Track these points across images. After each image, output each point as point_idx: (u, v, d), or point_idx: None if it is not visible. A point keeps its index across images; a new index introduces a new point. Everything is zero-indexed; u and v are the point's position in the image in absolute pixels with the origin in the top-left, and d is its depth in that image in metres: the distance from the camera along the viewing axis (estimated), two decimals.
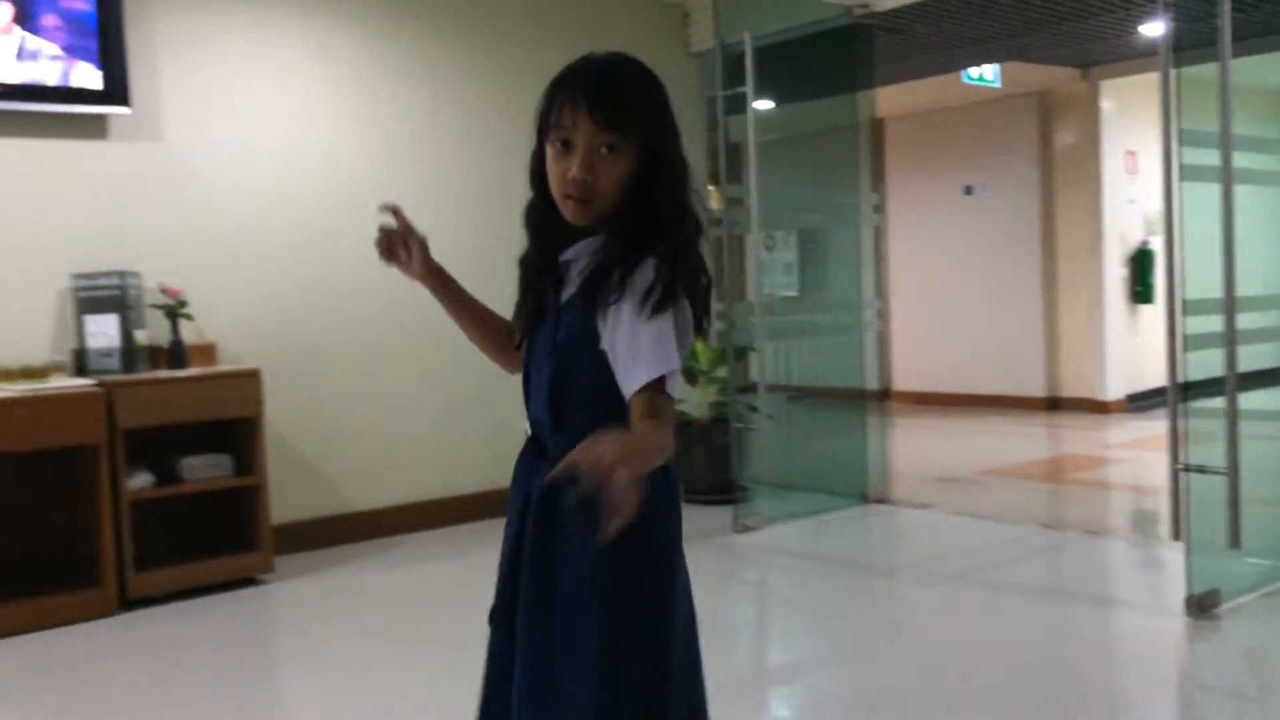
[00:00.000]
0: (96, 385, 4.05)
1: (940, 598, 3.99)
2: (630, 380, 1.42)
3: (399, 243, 1.76)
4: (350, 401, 5.10)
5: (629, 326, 1.42)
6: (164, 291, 4.47)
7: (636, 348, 1.42)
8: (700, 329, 1.52)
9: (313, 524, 4.92)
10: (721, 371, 5.70)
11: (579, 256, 1.52)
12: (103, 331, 4.31)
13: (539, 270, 1.58)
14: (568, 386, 1.52)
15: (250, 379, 4.38)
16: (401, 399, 5.26)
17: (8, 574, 4.04)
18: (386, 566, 4.65)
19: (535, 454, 1.59)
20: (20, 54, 4.15)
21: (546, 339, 1.54)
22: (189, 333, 4.54)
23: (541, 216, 1.57)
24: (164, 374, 4.33)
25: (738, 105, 5.08)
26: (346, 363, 5.09)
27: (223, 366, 4.61)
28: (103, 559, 4.00)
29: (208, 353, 4.64)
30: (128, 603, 4.05)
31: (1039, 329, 8.81)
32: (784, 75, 5.55)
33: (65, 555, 4.19)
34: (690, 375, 5.78)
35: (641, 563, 1.50)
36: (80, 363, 4.31)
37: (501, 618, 1.60)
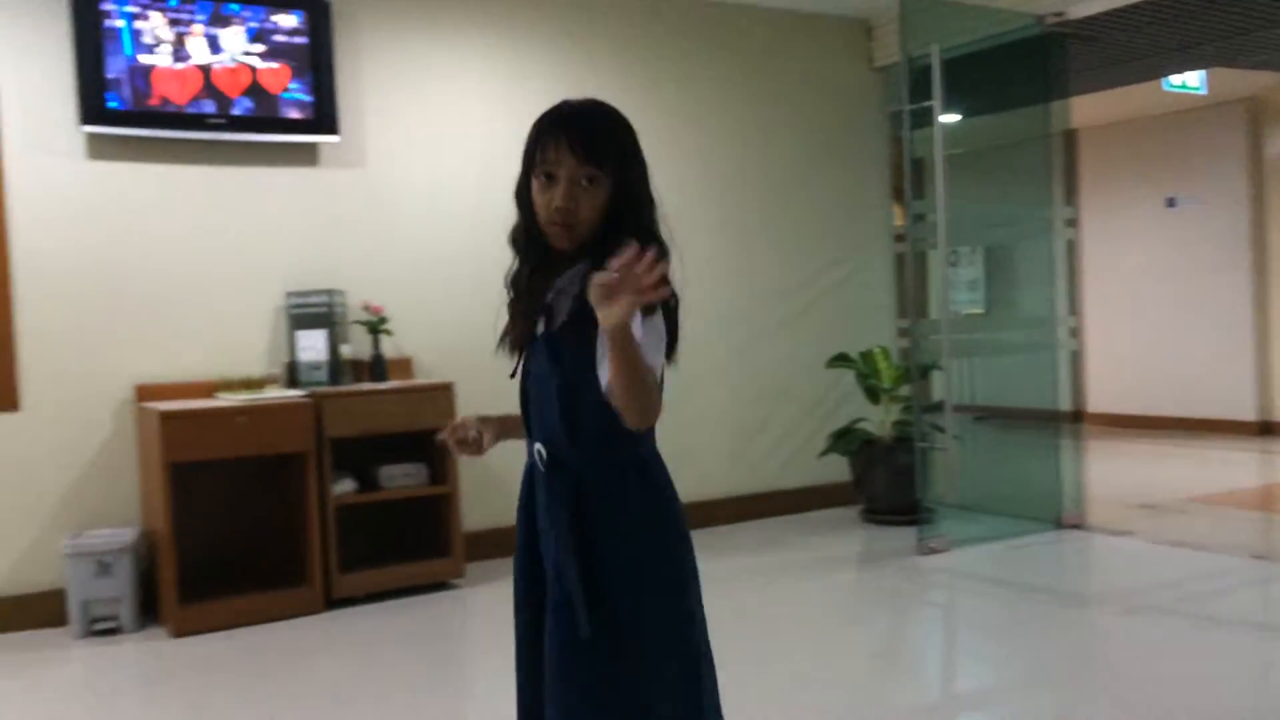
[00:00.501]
0: (307, 396, 4.32)
1: (1140, 630, 3.80)
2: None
3: (468, 438, 1.83)
4: None
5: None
6: (367, 308, 4.73)
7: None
8: (672, 348, 1.64)
9: (501, 532, 5.08)
10: (904, 390, 5.59)
11: (571, 283, 1.63)
12: (312, 346, 4.59)
13: (528, 292, 1.71)
14: (579, 406, 1.62)
15: (444, 392, 4.58)
16: None
17: (227, 571, 4.35)
18: None
19: (553, 469, 1.68)
20: (247, 88, 4.49)
21: (547, 365, 1.66)
22: (388, 347, 4.78)
23: (527, 240, 1.72)
24: (366, 386, 4.58)
25: (923, 119, 4.99)
26: None
27: (419, 380, 4.84)
28: (310, 560, 4.26)
29: (405, 367, 4.88)
30: (332, 602, 4.29)
31: (1249, 349, 8.26)
32: (971, 87, 5.42)
33: (277, 556, 4.47)
34: (873, 394, 5.70)
35: (665, 585, 1.66)
36: (292, 375, 4.61)
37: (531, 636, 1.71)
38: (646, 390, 1.50)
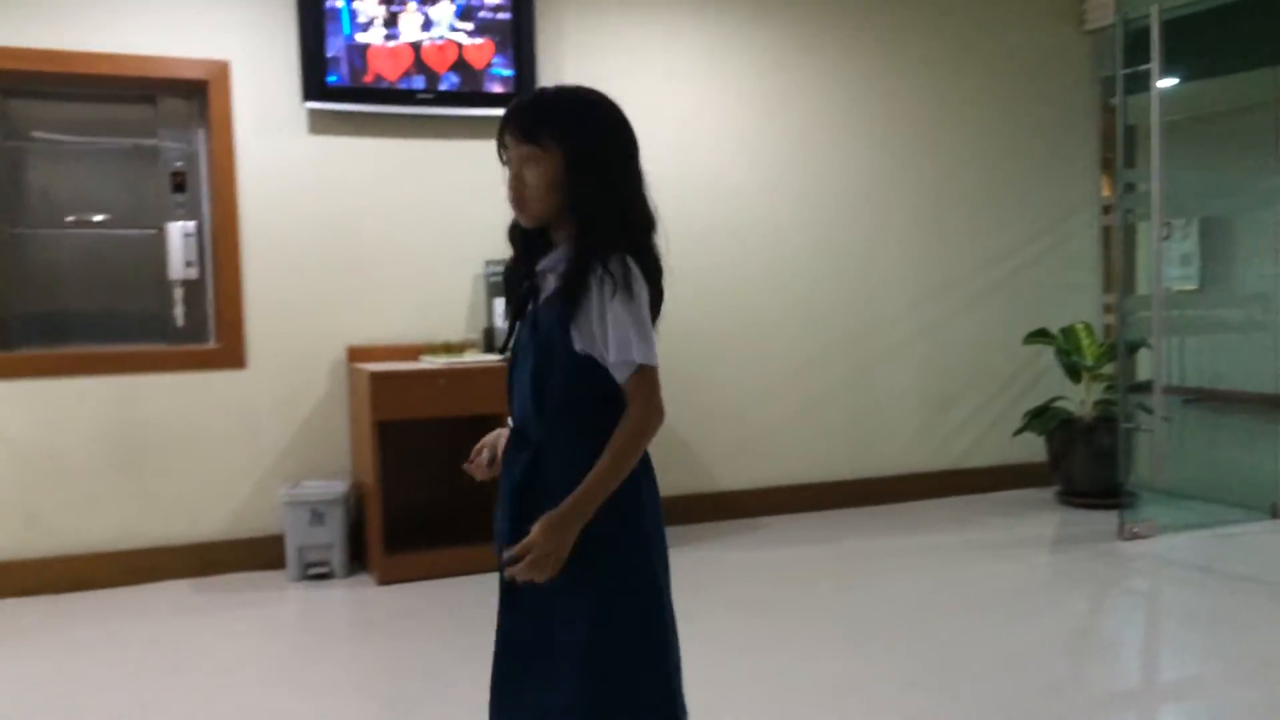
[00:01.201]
0: (502, 361, 4.47)
1: None
2: (621, 369, 1.67)
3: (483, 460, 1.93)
4: (719, 386, 5.29)
5: (602, 317, 1.65)
6: None
7: (618, 335, 1.64)
8: (656, 312, 1.72)
9: (685, 499, 5.17)
10: (1108, 368, 5.34)
11: (554, 265, 1.72)
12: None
13: (521, 279, 1.80)
14: (548, 379, 1.70)
15: None
16: (771, 385, 5.39)
17: (428, 525, 4.58)
18: (752, 545, 4.79)
19: (517, 445, 1.77)
20: (453, 64, 4.68)
21: (528, 336, 1.74)
22: None
23: (521, 233, 1.83)
24: None
25: (1139, 84, 4.73)
26: (716, 350, 5.29)
27: None
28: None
29: None
30: None
31: None
32: (1192, 50, 5.10)
33: (473, 512, 4.67)
34: (1073, 371, 5.48)
35: (621, 543, 1.71)
36: (489, 340, 4.79)
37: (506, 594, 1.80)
38: (636, 453, 1.66)
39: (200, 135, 4.56)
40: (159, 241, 4.52)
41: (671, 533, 5.09)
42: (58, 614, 3.98)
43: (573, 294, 1.67)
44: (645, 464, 1.77)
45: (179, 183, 4.57)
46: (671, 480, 5.07)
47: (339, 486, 4.43)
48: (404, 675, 3.29)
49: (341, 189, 4.66)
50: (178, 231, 4.50)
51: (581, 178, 1.71)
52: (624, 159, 1.77)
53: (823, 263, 5.49)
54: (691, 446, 5.23)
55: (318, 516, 4.32)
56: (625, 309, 1.65)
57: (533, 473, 1.73)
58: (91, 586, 4.26)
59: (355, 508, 4.50)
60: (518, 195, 1.75)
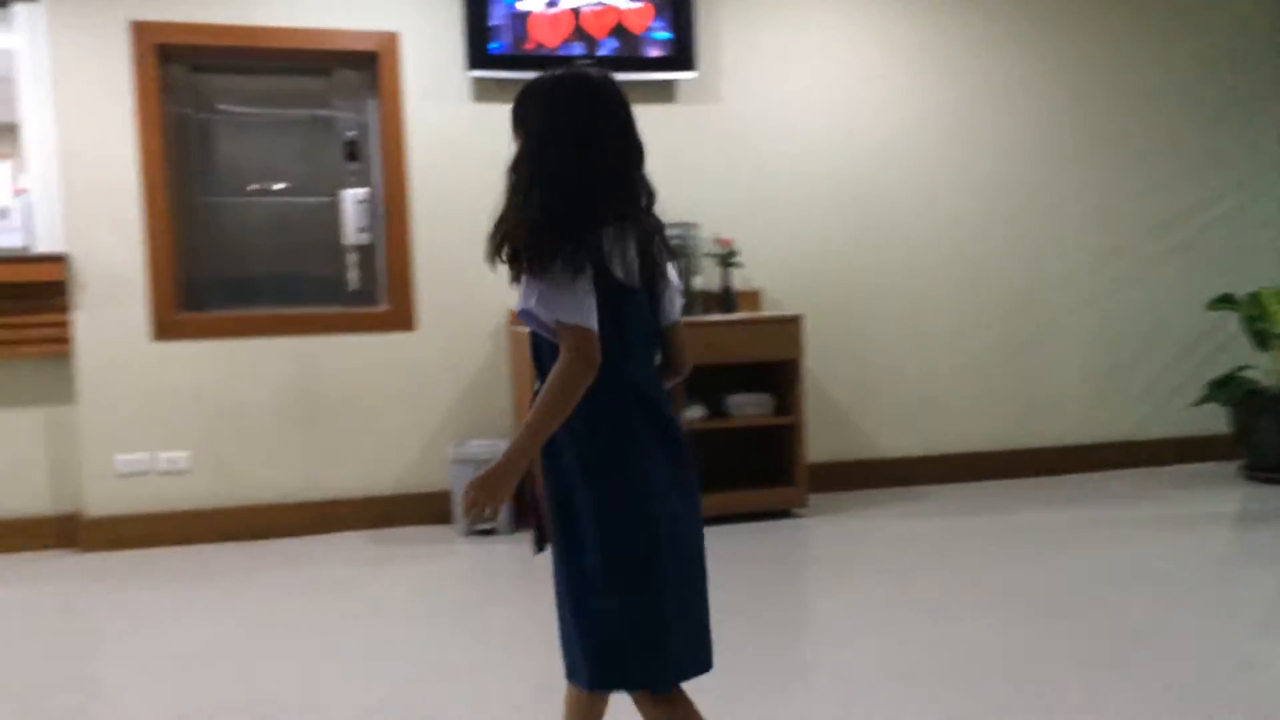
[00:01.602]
0: None
1: None
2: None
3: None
4: (884, 349, 5.20)
5: (525, 286, 1.80)
6: (718, 241, 4.86)
7: (532, 299, 1.78)
8: (610, 270, 1.78)
9: (844, 465, 5.12)
10: None
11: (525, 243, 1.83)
12: None
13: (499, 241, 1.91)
14: (540, 345, 1.88)
15: (792, 324, 4.63)
16: (933, 350, 5.26)
17: None
18: (912, 515, 4.71)
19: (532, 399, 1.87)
20: (612, 29, 4.70)
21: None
22: (738, 280, 4.89)
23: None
24: (716, 317, 4.71)
25: None
26: (881, 312, 5.19)
27: (767, 312, 4.93)
28: None
29: (753, 299, 4.98)
30: None
31: None
32: None
33: None
34: (1261, 339, 5.15)
35: (611, 471, 1.83)
36: None
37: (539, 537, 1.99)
38: (560, 401, 1.75)
39: (371, 105, 4.73)
40: (334, 208, 4.72)
41: (828, 500, 5.08)
42: (250, 560, 4.24)
43: (513, 270, 1.83)
44: (656, 430, 1.86)
45: (352, 151, 4.75)
46: (826, 446, 5.06)
47: (503, 445, 4.55)
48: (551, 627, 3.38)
49: (503, 155, 4.74)
50: (351, 198, 4.69)
51: (527, 160, 1.87)
52: (576, 140, 1.85)
53: (988, 221, 5.31)
54: (848, 411, 5.17)
55: None
56: (537, 277, 1.77)
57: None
58: (277, 535, 4.52)
59: None
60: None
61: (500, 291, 4.76)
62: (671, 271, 1.97)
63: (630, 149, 1.93)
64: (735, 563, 4.05)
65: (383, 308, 4.73)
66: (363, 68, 4.70)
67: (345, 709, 2.76)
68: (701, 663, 1.91)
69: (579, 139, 1.84)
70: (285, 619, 3.55)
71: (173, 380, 4.45)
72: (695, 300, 4.78)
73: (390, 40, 4.58)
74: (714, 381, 4.69)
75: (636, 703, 1.87)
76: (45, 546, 4.40)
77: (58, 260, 4.28)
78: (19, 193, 5.37)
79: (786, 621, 3.50)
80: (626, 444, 1.83)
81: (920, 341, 5.25)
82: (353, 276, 4.79)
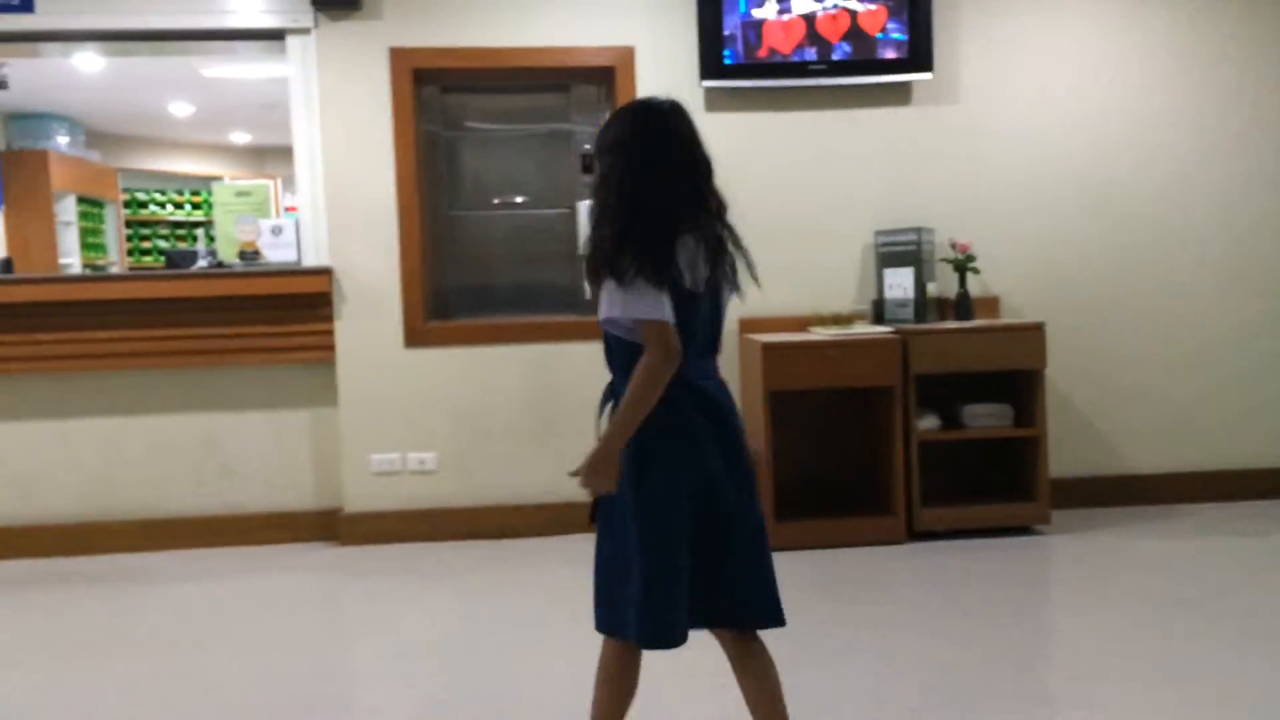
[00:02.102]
0: (893, 333, 4.42)
1: None
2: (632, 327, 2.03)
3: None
4: (1133, 359, 4.91)
5: (608, 294, 2.03)
6: (954, 246, 4.71)
7: (616, 306, 2.00)
8: (680, 279, 2.02)
9: (1089, 481, 4.86)
10: None
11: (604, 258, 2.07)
12: (899, 284, 4.68)
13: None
14: (608, 344, 2.15)
15: (1033, 333, 4.43)
16: (1188, 359, 4.92)
17: (814, 495, 4.64)
18: (1168, 534, 4.42)
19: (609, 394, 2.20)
20: (846, 32, 4.65)
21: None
22: (974, 286, 4.73)
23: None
24: (951, 325, 4.57)
25: None
26: (1129, 320, 4.90)
27: (1005, 320, 4.74)
28: (894, 492, 4.39)
29: (991, 306, 4.80)
30: (915, 534, 4.41)
31: None
32: None
33: (861, 484, 4.68)
34: None
35: (657, 461, 2.08)
36: (878, 312, 4.74)
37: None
38: (649, 389, 2.00)
39: (606, 119, 4.85)
40: (570, 219, 4.88)
41: (1072, 516, 4.87)
42: (491, 557, 4.44)
43: (590, 275, 2.10)
44: (711, 420, 2.12)
45: (587, 164, 4.89)
46: (1074, 460, 4.82)
47: None
48: (790, 636, 3.36)
49: (735, 164, 4.72)
50: (586, 209, 4.83)
51: (604, 186, 2.12)
52: (645, 163, 2.08)
53: (1252, 227, 4.92)
54: (1096, 424, 4.90)
55: None
56: (619, 286, 1.99)
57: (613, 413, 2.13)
58: (517, 535, 4.71)
59: None
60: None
61: (731, 302, 4.79)
62: (736, 275, 2.23)
63: (695, 164, 2.15)
64: (975, 581, 3.92)
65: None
66: (600, 82, 4.84)
67: (578, 710, 2.85)
68: (746, 616, 2.21)
69: (646, 162, 2.08)
70: (521, 616, 3.70)
71: (422, 385, 4.72)
72: (929, 307, 4.66)
73: (627, 54, 4.70)
74: (949, 391, 4.56)
75: (604, 645, 2.26)
76: (309, 539, 4.75)
77: (323, 273, 4.62)
78: (290, 211, 5.84)
79: (1030, 645, 3.36)
80: (675, 434, 2.08)
81: (1174, 352, 4.91)
82: (586, 285, 4.92)
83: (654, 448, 2.07)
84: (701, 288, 2.10)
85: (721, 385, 2.21)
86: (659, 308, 1.98)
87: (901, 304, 4.67)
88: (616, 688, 2.28)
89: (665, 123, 2.12)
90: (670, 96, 2.18)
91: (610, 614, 2.21)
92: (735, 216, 4.89)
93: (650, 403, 2.01)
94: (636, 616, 2.10)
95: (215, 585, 4.19)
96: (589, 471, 2.10)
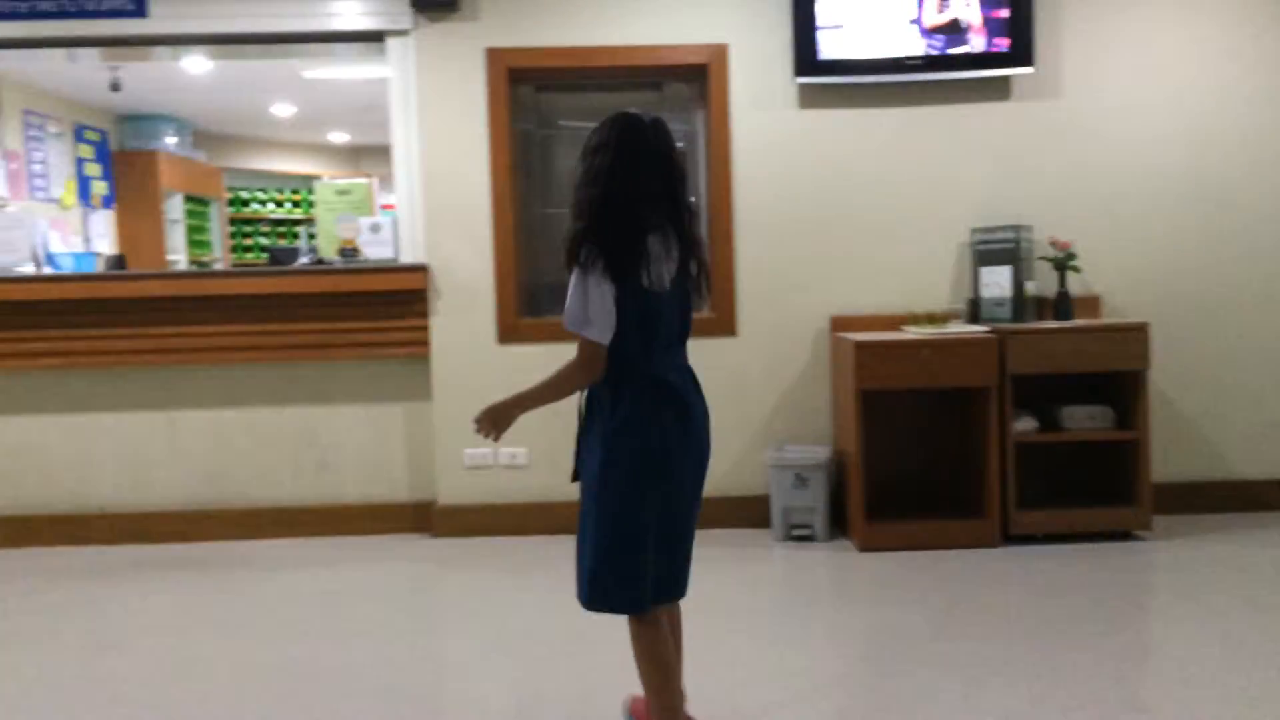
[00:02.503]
0: (990, 332, 4.34)
1: None
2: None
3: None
4: (1241, 362, 4.75)
5: (569, 292, 2.32)
6: (1053, 244, 4.61)
7: (569, 313, 2.33)
8: (635, 273, 2.27)
9: (1194, 487, 4.71)
10: None
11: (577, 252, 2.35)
12: (996, 282, 4.59)
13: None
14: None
15: (1136, 334, 4.31)
16: None
17: (908, 495, 4.59)
18: (1276, 543, 4.26)
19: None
20: (945, 27, 4.58)
21: None
22: (1075, 285, 4.62)
23: None
24: (1050, 324, 4.47)
25: None
26: (1238, 322, 4.74)
27: (1107, 319, 4.62)
28: (988, 494, 4.31)
29: (1092, 305, 4.68)
30: (1009, 537, 4.32)
31: None
32: None
33: (956, 485, 4.60)
34: None
35: (620, 445, 2.34)
36: (974, 311, 4.66)
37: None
38: (560, 391, 2.40)
39: (699, 116, 4.86)
40: None
41: (1175, 522, 4.73)
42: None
43: (566, 266, 2.34)
44: (672, 406, 2.37)
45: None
46: (1177, 464, 4.68)
47: (821, 452, 4.56)
48: (883, 640, 3.33)
49: (828, 161, 4.75)
50: None
51: (583, 185, 2.35)
52: (613, 166, 2.31)
53: None
54: (1201, 428, 4.74)
55: (801, 481, 4.48)
56: (579, 278, 2.28)
57: (586, 404, 2.46)
58: None
59: (837, 474, 4.60)
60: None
61: (821, 299, 4.77)
62: (703, 283, 2.45)
63: (670, 174, 2.34)
64: (1073, 587, 3.83)
65: (707, 313, 4.85)
66: (692, 80, 4.84)
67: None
68: (676, 593, 2.48)
69: (622, 165, 2.30)
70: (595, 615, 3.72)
71: (514, 380, 4.70)
72: (1027, 305, 4.56)
73: (720, 52, 4.69)
74: (1046, 392, 4.46)
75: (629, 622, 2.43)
76: (403, 530, 4.85)
77: (420, 270, 4.71)
78: (385, 209, 5.96)
79: (1130, 653, 3.27)
80: (638, 421, 2.33)
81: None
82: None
83: (621, 434, 2.33)
84: (665, 286, 2.34)
85: (687, 374, 2.46)
86: (597, 327, 2.28)
87: (999, 303, 4.59)
88: (655, 660, 2.44)
89: (643, 133, 2.34)
90: (644, 111, 2.40)
91: (584, 588, 2.43)
92: (825, 215, 4.88)
93: (562, 396, 2.40)
94: (588, 582, 2.38)
95: (314, 574, 4.31)
96: (487, 417, 2.44)
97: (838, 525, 4.57)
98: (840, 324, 4.71)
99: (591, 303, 2.26)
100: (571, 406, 4.90)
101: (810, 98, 4.71)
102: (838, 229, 4.77)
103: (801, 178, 4.75)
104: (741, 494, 4.78)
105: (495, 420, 2.43)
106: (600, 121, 2.40)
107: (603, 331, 2.28)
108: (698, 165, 4.88)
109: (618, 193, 2.29)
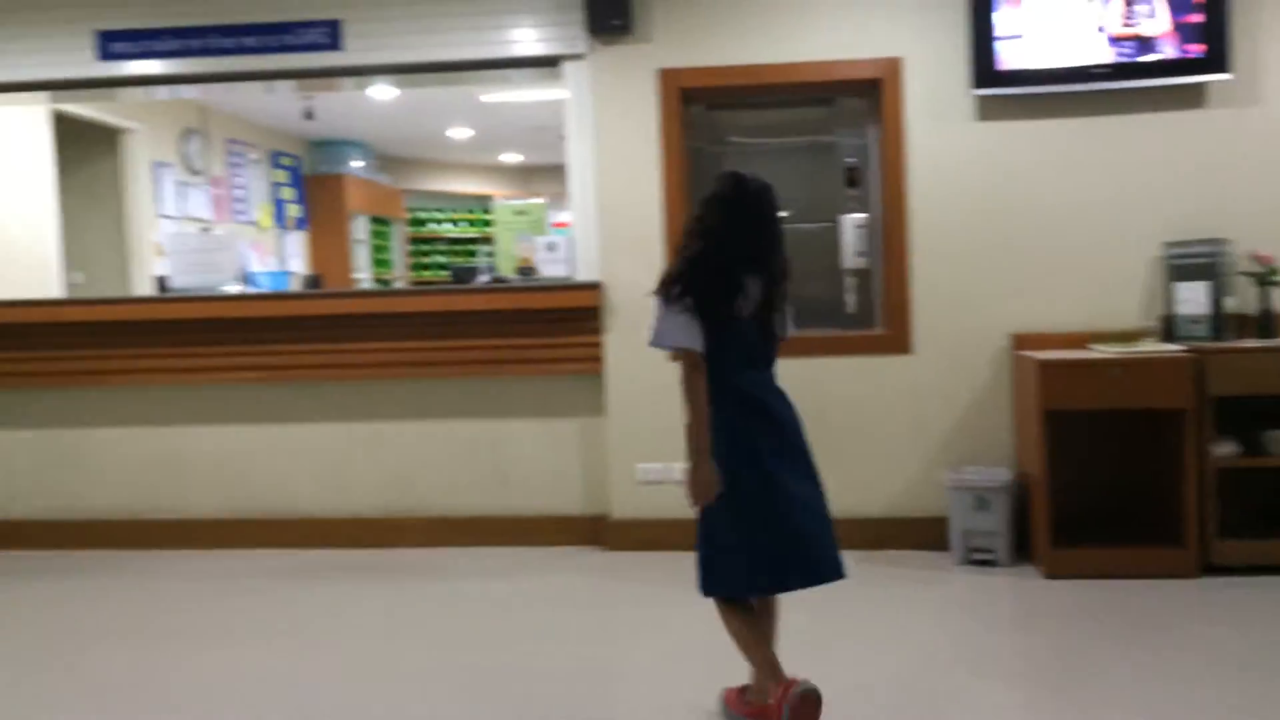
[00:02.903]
0: (1186, 351, 4.12)
1: None
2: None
3: None
4: None
5: (654, 315, 2.73)
6: (1255, 259, 4.35)
7: (657, 332, 2.72)
8: (720, 308, 2.66)
9: None
10: None
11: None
12: (1192, 299, 4.37)
13: None
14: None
15: None
16: None
17: (1097, 521, 4.39)
18: None
19: None
20: (1132, 35, 4.39)
21: None
22: (1279, 301, 4.35)
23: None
24: (1251, 343, 4.22)
25: None
26: None
27: None
28: (1185, 522, 4.09)
29: None
30: (1209, 567, 4.09)
31: None
32: None
33: (1148, 512, 4.38)
34: None
35: (720, 446, 2.68)
36: (1169, 329, 4.44)
37: None
38: (693, 395, 2.69)
39: (871, 131, 4.80)
40: (833, 233, 4.85)
41: None
42: None
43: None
44: (761, 418, 2.73)
45: (852, 177, 4.86)
46: None
47: (1003, 474, 4.42)
48: (1074, 673, 3.20)
49: (1009, 174, 4.62)
50: (850, 223, 4.79)
51: (693, 234, 2.77)
52: (715, 229, 2.72)
53: None
54: None
55: (982, 503, 4.35)
56: (661, 311, 2.70)
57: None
58: None
59: (1019, 497, 4.45)
60: None
61: (1001, 316, 4.63)
62: (785, 307, 2.82)
63: (761, 236, 2.75)
64: (1276, 623, 3.59)
65: (879, 330, 4.78)
66: (865, 94, 4.79)
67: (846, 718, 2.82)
68: (797, 580, 2.78)
69: (727, 220, 2.72)
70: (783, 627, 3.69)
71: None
72: (1227, 323, 4.31)
73: (894, 65, 4.63)
74: (1249, 415, 4.20)
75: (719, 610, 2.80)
76: (578, 543, 4.94)
77: (593, 288, 4.81)
78: (556, 227, 6.12)
79: None
80: (730, 430, 2.68)
81: None
82: (850, 300, 4.89)
83: (718, 442, 2.67)
84: (746, 314, 2.71)
85: (771, 390, 2.80)
86: (688, 339, 2.64)
87: (1195, 320, 4.36)
88: (749, 631, 2.77)
89: (753, 196, 2.74)
90: (752, 176, 2.79)
91: (708, 580, 2.80)
92: (1005, 229, 4.73)
93: (697, 405, 2.66)
94: (707, 573, 2.77)
95: (494, 583, 4.44)
96: (692, 493, 2.70)
97: (1020, 550, 4.41)
98: (1022, 342, 4.55)
99: (679, 325, 2.64)
100: None
101: (988, 110, 4.59)
102: (1018, 243, 4.62)
103: (980, 191, 4.63)
104: (917, 515, 4.68)
105: (696, 483, 2.70)
106: (722, 174, 2.79)
107: (692, 341, 2.64)
108: (870, 180, 4.82)
109: (715, 252, 2.69)
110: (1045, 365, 4.13)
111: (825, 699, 2.67)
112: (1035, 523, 4.26)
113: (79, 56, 5.03)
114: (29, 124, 5.95)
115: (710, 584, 2.77)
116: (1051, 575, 4.15)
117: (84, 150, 7.11)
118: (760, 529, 2.68)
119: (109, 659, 3.62)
